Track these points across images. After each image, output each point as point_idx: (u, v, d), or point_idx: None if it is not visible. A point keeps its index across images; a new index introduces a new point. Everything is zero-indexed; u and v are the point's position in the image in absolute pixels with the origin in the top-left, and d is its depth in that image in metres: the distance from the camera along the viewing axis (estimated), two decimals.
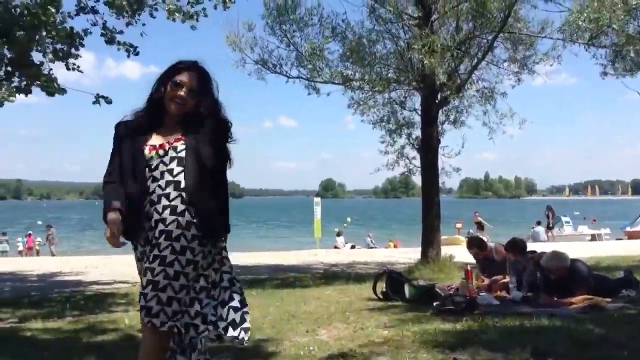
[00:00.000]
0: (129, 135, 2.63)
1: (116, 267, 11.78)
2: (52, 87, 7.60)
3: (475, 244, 7.35)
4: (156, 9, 7.86)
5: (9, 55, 7.53)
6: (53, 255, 22.28)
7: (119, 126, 2.70)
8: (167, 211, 2.53)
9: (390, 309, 5.88)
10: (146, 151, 2.58)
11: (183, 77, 2.61)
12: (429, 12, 10.03)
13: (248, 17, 10.86)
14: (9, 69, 7.62)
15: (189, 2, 7.81)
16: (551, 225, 26.29)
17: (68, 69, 8.02)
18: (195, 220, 2.55)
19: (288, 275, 9.97)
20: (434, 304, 5.70)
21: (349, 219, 35.10)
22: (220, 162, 2.69)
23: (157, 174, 2.57)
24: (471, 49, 10.49)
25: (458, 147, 11.05)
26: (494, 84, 11.14)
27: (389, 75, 10.73)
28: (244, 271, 10.75)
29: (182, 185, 2.56)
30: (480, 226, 26.04)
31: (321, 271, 10.74)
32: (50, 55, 7.78)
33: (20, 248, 24.70)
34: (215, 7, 7.81)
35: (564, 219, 28.73)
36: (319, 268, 11.45)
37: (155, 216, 2.55)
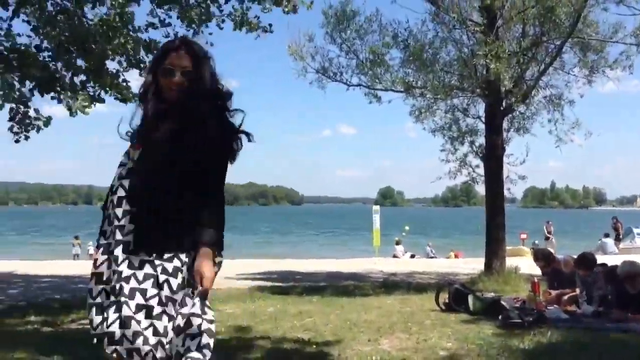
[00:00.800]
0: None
1: None
2: (126, 95, 7.93)
3: (542, 257, 7.13)
4: (223, 21, 8.08)
5: (84, 66, 7.93)
6: None
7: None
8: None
9: (453, 321, 5.77)
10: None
11: (173, 61, 2.23)
12: (494, 17, 9.82)
13: (309, 27, 10.97)
14: (84, 78, 8.01)
15: (256, 16, 7.99)
16: (620, 236, 25.15)
17: (141, 75, 8.36)
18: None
19: (347, 283, 9.95)
20: (500, 317, 5.56)
21: (407, 228, 34.67)
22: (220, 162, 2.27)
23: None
24: (538, 55, 10.19)
25: (523, 156, 10.76)
26: (562, 91, 10.81)
27: (452, 82, 10.58)
28: (303, 278, 10.82)
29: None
30: (547, 237, 25.18)
31: (381, 280, 10.65)
32: (125, 64, 8.12)
33: (91, 251, 25.75)
34: (285, 12, 7.90)
35: (635, 230, 27.37)
36: (379, 277, 11.37)
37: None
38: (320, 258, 18.59)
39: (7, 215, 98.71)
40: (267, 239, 41.74)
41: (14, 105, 8.14)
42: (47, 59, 7.89)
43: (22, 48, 7.71)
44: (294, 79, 11.23)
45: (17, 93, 8.09)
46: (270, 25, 8.15)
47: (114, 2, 7.15)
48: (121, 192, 2.18)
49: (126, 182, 2.19)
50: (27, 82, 7.93)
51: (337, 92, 11.62)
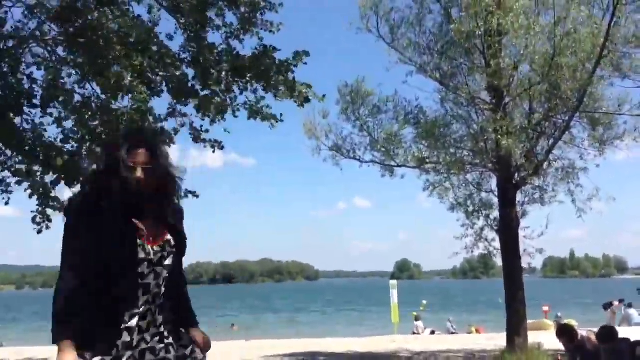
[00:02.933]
0: (106, 220, 2.29)
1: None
2: None
3: (564, 333, 7.02)
4: (238, 109, 8.45)
5: None
6: None
7: (82, 209, 2.34)
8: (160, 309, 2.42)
9: None
10: (145, 244, 2.36)
11: (135, 157, 2.35)
12: (501, 95, 10.16)
13: (323, 106, 11.34)
14: None
15: (267, 106, 8.36)
16: None
17: None
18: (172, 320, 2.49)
19: None
20: None
21: (424, 302, 34.04)
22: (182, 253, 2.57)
23: (159, 269, 2.39)
24: (547, 130, 10.43)
25: (541, 228, 10.75)
26: (574, 162, 10.94)
27: (464, 157, 10.81)
28: (322, 359, 10.64)
29: (166, 283, 2.44)
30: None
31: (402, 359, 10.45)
32: None
33: None
34: (298, 105, 8.28)
35: None
36: (400, 356, 11.16)
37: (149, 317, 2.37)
38: (341, 337, 18.26)
39: (25, 299, 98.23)
40: (286, 318, 41.10)
41: (36, 194, 8.45)
42: (72, 149, 8.25)
43: (48, 141, 8.10)
44: (308, 155, 11.51)
45: (41, 183, 8.44)
46: (281, 114, 8.51)
47: (135, 97, 7.54)
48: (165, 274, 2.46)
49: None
50: (51, 173, 8.27)
51: (351, 167, 11.91)
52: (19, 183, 8.31)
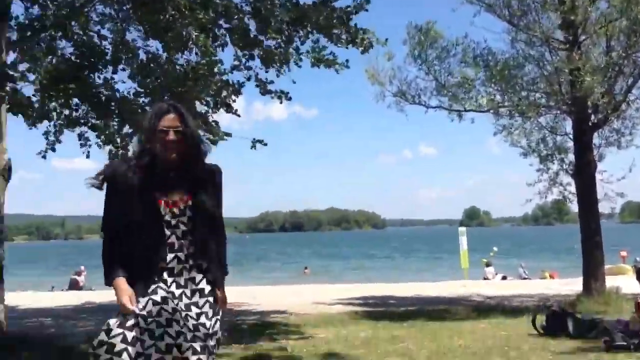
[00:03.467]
0: (133, 187, 2.61)
1: (270, 297, 12.45)
2: (216, 133, 8.43)
3: None
4: (301, 59, 8.41)
5: None
6: None
7: (115, 175, 2.66)
8: (175, 263, 2.63)
9: (553, 345, 5.66)
10: (162, 208, 2.63)
11: (166, 122, 2.65)
12: (577, 33, 9.64)
13: (386, 50, 11.05)
14: None
15: (331, 53, 8.27)
16: None
17: (227, 112, 8.84)
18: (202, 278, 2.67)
19: (439, 307, 9.87)
20: (603, 339, 5.39)
21: (495, 249, 33.62)
22: (219, 210, 2.80)
23: (170, 231, 2.63)
24: (626, 68, 9.85)
25: (623, 171, 10.30)
26: None
27: (538, 100, 10.40)
28: (394, 303, 10.84)
29: (193, 244, 2.65)
30: None
31: (473, 304, 10.49)
32: (212, 105, 8.66)
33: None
34: (362, 52, 8.17)
35: None
36: (470, 300, 11.20)
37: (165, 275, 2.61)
38: (409, 282, 18.46)
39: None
40: (355, 264, 41.78)
41: (112, 148, 8.86)
42: (143, 104, 8.54)
43: (121, 96, 8.42)
44: (371, 102, 11.37)
45: (118, 137, 8.83)
46: (347, 61, 8.40)
47: (203, 49, 7.64)
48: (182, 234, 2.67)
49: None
50: (127, 126, 8.63)
51: (416, 113, 11.71)
52: (98, 137, 8.73)
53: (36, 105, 7.94)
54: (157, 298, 2.52)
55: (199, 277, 2.67)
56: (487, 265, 23.15)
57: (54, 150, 8.66)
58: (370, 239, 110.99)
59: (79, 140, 8.82)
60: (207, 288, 2.66)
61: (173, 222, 2.65)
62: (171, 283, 2.61)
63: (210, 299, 2.65)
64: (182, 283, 2.63)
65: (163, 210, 2.63)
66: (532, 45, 10.42)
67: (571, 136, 10.51)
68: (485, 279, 21.50)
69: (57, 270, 34.12)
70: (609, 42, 9.79)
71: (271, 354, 5.88)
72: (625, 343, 5.10)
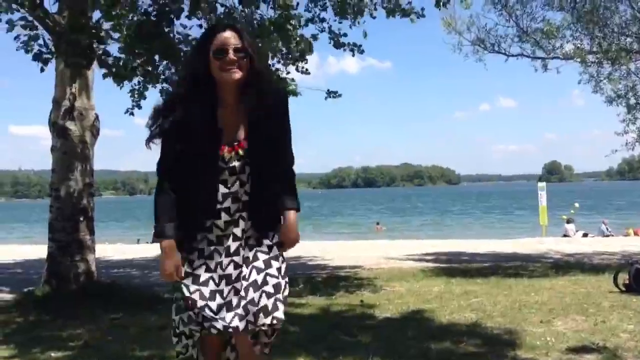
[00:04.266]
0: (188, 126, 2.27)
1: (343, 252, 12.57)
2: (293, 90, 8.43)
3: None
4: (376, 9, 8.19)
5: None
6: None
7: (167, 111, 2.33)
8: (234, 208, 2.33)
9: (635, 303, 5.40)
10: (225, 152, 2.30)
11: (221, 40, 2.25)
12: None
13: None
14: None
15: (408, 2, 8.00)
16: None
17: (298, 71, 8.79)
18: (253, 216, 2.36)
19: (515, 264, 9.63)
20: None
21: (576, 205, 32.28)
22: (284, 138, 2.42)
23: (226, 176, 2.31)
24: None
25: None
26: None
27: (630, 45, 9.69)
28: (468, 259, 10.68)
29: (248, 186, 2.33)
30: None
31: (551, 260, 10.15)
32: (282, 61, 8.62)
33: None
34: (435, 6, 7.83)
35: None
36: (549, 257, 10.84)
37: (225, 217, 2.33)
38: (484, 238, 18.12)
39: None
40: (430, 220, 41.46)
41: None
42: None
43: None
44: (448, 53, 11.04)
45: None
46: (422, 9, 8.12)
47: (279, 2, 7.55)
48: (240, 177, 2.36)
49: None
50: None
51: (495, 64, 11.25)
52: None
53: (121, 64, 8.19)
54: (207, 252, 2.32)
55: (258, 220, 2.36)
56: (568, 222, 22.32)
57: (139, 107, 8.94)
58: (445, 194, 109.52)
59: (160, 96, 9.05)
60: (269, 235, 2.37)
61: (231, 162, 2.31)
62: (226, 233, 2.33)
63: (274, 244, 2.37)
64: (239, 234, 2.34)
65: (218, 148, 2.29)
66: None
67: None
68: (565, 236, 20.78)
69: (142, 224, 35.97)
70: None
71: (347, 304, 5.96)
72: None
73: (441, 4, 7.77)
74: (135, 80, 8.59)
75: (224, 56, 2.23)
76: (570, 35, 9.97)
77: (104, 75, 7.35)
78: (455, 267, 9.31)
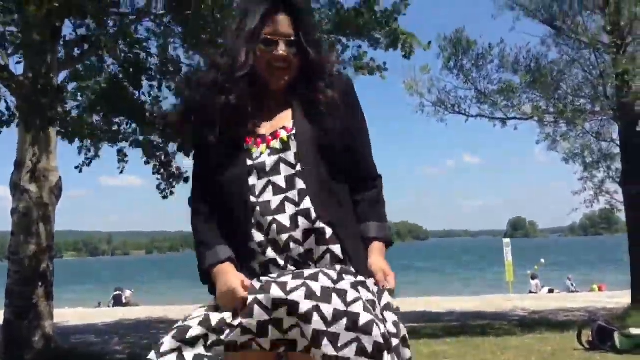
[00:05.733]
0: (213, 121, 1.68)
1: None
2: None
3: None
4: (345, 68, 8.40)
5: None
6: None
7: (194, 109, 1.74)
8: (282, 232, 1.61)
9: None
10: (252, 145, 1.68)
11: (274, 27, 1.68)
12: (623, 36, 9.36)
13: (423, 61, 11.08)
14: None
15: (371, 59, 8.26)
16: None
17: None
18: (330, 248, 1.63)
19: (482, 322, 9.64)
20: None
21: (542, 261, 32.71)
22: (355, 139, 1.77)
23: (262, 180, 1.66)
24: None
25: None
26: None
27: (583, 105, 10.13)
28: (435, 317, 10.64)
29: (301, 197, 1.63)
30: None
31: (517, 318, 10.20)
32: None
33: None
34: (404, 57, 8.05)
35: None
36: (515, 315, 10.90)
37: (258, 237, 1.63)
38: (451, 295, 18.12)
39: (154, 261, 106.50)
40: (397, 276, 41.27)
41: (157, 163, 9.05)
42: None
43: (166, 112, 8.58)
44: (411, 114, 11.30)
45: (162, 153, 9.01)
46: (384, 63, 8.36)
47: None
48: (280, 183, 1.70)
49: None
50: (171, 144, 8.79)
51: (457, 123, 11.56)
52: (144, 153, 8.90)
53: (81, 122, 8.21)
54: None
55: (322, 249, 1.61)
56: (533, 277, 22.59)
57: (89, 165, 8.95)
58: (412, 250, 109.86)
59: (117, 155, 9.04)
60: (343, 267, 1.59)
61: (268, 164, 1.65)
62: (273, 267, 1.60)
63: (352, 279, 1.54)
64: (293, 264, 1.60)
65: (250, 150, 1.66)
66: (576, 50, 10.21)
67: (618, 142, 10.19)
68: (531, 292, 20.96)
69: (104, 286, 34.95)
70: None
71: None
72: None
73: (407, 53, 7.96)
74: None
75: (273, 48, 1.67)
76: (526, 97, 10.40)
77: (58, 133, 7.37)
78: (422, 325, 9.26)
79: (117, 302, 22.33)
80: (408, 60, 8.10)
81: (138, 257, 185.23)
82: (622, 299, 10.89)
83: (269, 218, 1.62)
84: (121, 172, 9.14)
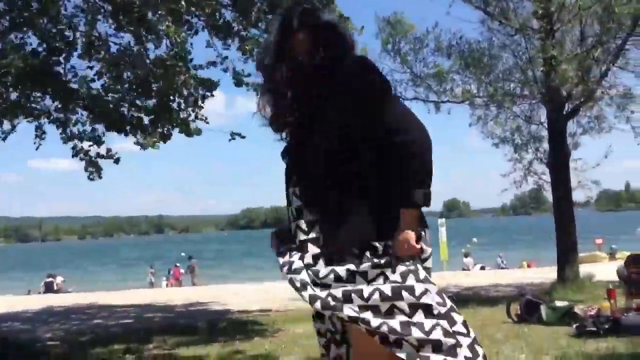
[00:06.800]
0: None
1: (253, 295, 12.39)
2: (189, 130, 8.30)
3: (636, 263, 6.62)
4: None
5: (150, 105, 8.37)
6: (194, 285, 23.80)
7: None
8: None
9: (526, 333, 5.68)
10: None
11: (293, 49, 1.89)
12: (551, 22, 9.69)
13: (362, 44, 11.01)
14: (152, 117, 8.44)
15: None
16: None
17: (196, 119, 8.65)
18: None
19: None
20: (574, 325, 5.44)
21: (474, 240, 33.94)
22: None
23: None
24: (599, 55, 9.94)
25: (597, 159, 10.42)
26: (630, 88, 10.42)
27: (513, 89, 10.45)
28: None
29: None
30: None
31: (450, 294, 10.52)
32: (184, 103, 8.50)
33: (164, 280, 26.35)
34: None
35: None
36: (448, 291, 11.24)
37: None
38: None
39: (87, 247, 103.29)
40: None
41: (78, 143, 8.65)
42: (113, 100, 8.36)
43: (95, 92, 8.23)
44: None
45: (92, 133, 8.65)
46: None
47: (175, 39, 7.46)
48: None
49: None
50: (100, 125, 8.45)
51: None
52: (63, 132, 8.48)
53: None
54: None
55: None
56: (466, 255, 23.37)
57: (4, 140, 8.45)
58: None
59: (35, 131, 8.57)
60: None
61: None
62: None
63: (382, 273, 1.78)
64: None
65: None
66: (507, 35, 10.47)
67: (546, 125, 10.59)
68: (464, 269, 21.70)
69: (35, 273, 33.65)
70: (583, 30, 9.87)
71: (246, 351, 5.82)
72: (595, 329, 5.14)
73: None
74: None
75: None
76: (459, 80, 10.64)
77: None
78: None
79: (49, 289, 21.62)
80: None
81: (70, 243, 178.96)
82: (549, 274, 11.42)
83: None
84: (37, 148, 8.63)
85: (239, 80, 8.56)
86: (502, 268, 22.49)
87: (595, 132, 10.73)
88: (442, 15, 10.42)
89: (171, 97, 8.11)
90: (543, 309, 6.18)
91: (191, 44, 8.13)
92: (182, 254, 34.90)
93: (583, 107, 10.15)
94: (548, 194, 10.90)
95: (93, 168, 8.53)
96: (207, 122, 8.78)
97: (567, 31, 10.16)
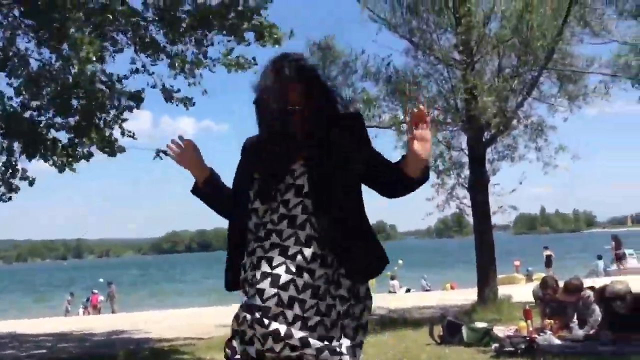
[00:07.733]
0: (245, 152, 2.12)
1: (176, 322, 12.01)
2: (112, 148, 8.04)
3: (550, 285, 6.91)
4: (214, 65, 8.16)
5: (71, 123, 8.05)
6: (114, 312, 22.81)
7: (246, 142, 2.14)
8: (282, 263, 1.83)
9: (448, 354, 5.81)
10: (256, 175, 1.96)
11: (288, 96, 1.93)
12: (472, 53, 10.14)
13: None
14: (71, 136, 8.12)
15: (239, 56, 8.10)
16: (619, 256, 24.73)
17: (123, 135, 8.43)
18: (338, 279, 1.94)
19: None
20: (493, 346, 5.61)
21: (400, 262, 34.50)
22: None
23: (264, 207, 1.91)
24: (516, 87, 10.49)
25: (512, 185, 10.93)
26: (543, 119, 11.04)
27: (437, 117, 10.81)
28: None
29: (308, 225, 1.88)
30: (548, 263, 24.96)
31: (376, 317, 10.62)
32: (109, 119, 8.24)
33: (81, 308, 25.05)
34: (273, 44, 7.89)
35: (627, 251, 27.22)
36: (375, 314, 11.34)
37: (265, 267, 1.82)
38: None
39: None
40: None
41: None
42: (33, 119, 7.99)
43: (10, 110, 7.83)
44: None
45: (6, 152, 8.22)
46: (254, 57, 8.19)
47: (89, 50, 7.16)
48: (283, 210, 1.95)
49: None
50: (16, 143, 8.04)
51: None
52: None
53: None
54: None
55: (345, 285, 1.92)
56: (392, 278, 23.70)
57: None
58: None
59: None
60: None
61: (275, 201, 1.90)
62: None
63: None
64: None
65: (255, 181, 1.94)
66: (431, 64, 10.86)
67: (466, 151, 11.00)
68: (390, 292, 22.00)
69: None
70: (500, 62, 10.40)
71: None
72: (513, 349, 5.33)
73: (276, 41, 7.86)
74: None
75: (286, 117, 1.95)
76: (386, 106, 10.89)
77: None
78: None
79: None
80: (280, 46, 7.96)
81: None
82: (471, 295, 11.76)
83: (278, 260, 1.90)
84: None
85: (167, 96, 8.41)
86: (427, 290, 22.98)
87: (512, 159, 11.25)
88: (368, 41, 10.69)
89: (95, 114, 7.86)
90: (464, 330, 6.35)
91: (113, 58, 7.93)
92: (101, 279, 33.47)
93: (500, 135, 10.62)
94: (469, 218, 11.29)
95: (6, 188, 8.10)
96: (135, 138, 8.57)
97: (487, 62, 10.67)
